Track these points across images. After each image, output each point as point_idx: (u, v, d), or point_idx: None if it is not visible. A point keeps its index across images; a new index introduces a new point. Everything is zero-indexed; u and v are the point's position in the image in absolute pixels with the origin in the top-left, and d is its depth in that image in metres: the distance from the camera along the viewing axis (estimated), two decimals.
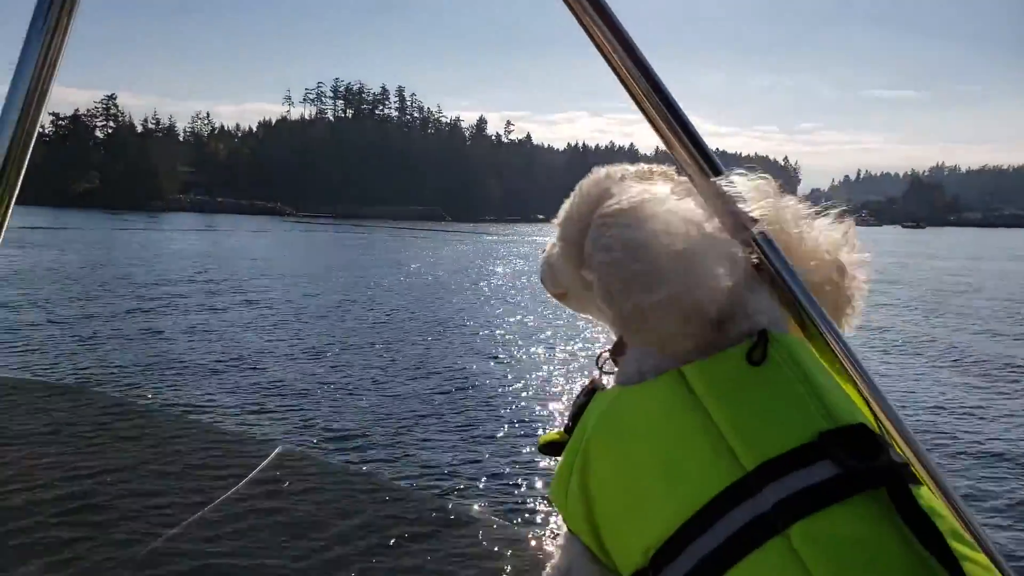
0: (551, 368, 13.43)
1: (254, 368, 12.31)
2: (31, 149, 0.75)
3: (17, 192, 0.76)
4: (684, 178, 1.26)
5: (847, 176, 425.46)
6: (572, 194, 1.33)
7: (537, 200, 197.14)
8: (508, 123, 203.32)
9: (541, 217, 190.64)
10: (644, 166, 1.36)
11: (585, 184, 1.33)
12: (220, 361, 12.75)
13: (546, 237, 1.62)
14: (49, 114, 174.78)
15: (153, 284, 26.73)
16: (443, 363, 13.41)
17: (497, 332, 17.48)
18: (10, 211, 0.74)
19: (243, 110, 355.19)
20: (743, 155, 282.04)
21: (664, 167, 1.36)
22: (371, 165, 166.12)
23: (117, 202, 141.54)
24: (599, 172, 1.35)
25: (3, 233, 0.74)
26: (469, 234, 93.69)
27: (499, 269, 38.47)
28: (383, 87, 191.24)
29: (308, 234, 79.17)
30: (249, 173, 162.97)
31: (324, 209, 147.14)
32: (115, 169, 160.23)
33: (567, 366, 13.58)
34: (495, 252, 54.72)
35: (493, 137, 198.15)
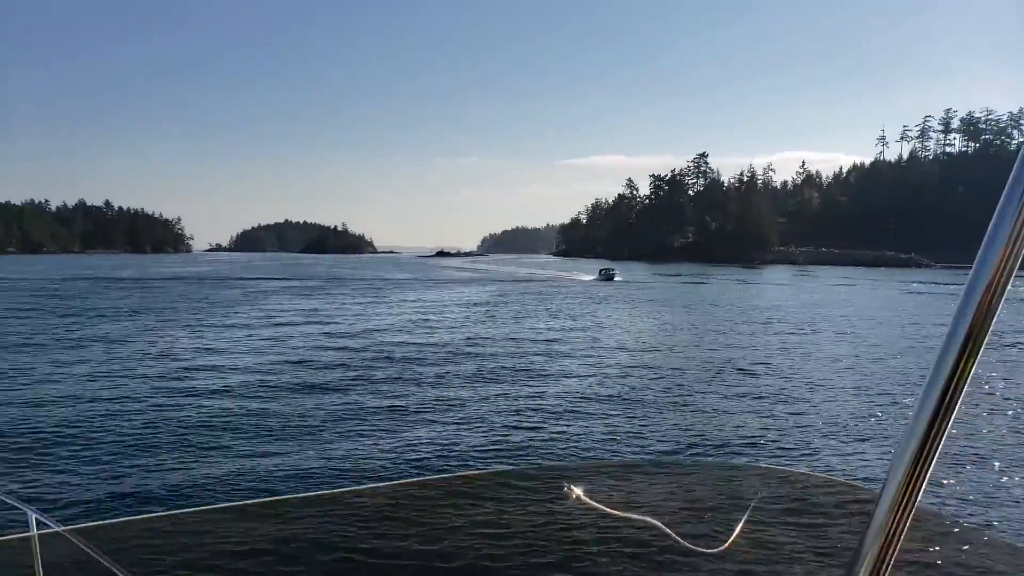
0: None
1: None
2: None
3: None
4: None
5: None
6: None
7: None
8: None
9: None
10: None
11: None
12: None
13: None
14: (649, 176, 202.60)
15: None
16: None
17: None
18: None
19: (782, 159, 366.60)
20: None
21: None
22: None
23: (715, 255, 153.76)
24: None
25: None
26: None
27: None
28: (1015, 112, 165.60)
29: None
30: (848, 221, 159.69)
31: (954, 259, 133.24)
32: (710, 223, 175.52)
33: None
34: None
35: None
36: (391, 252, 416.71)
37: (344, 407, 16.40)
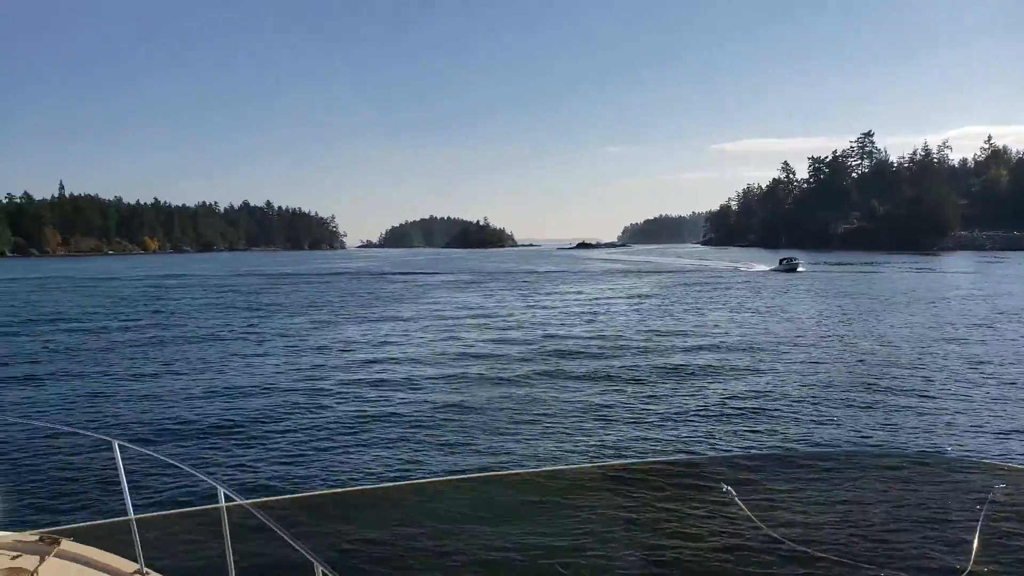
0: None
1: None
2: None
3: None
4: None
5: None
6: None
7: None
8: None
9: None
10: None
11: None
12: None
13: None
14: (808, 158, 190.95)
15: None
16: None
17: None
18: None
19: (959, 135, 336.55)
20: None
21: None
22: None
23: (884, 241, 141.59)
24: None
25: None
26: None
27: None
28: None
29: None
30: None
31: None
32: (877, 208, 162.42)
33: None
34: None
35: None
36: (530, 245, 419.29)
37: (521, 397, 16.28)
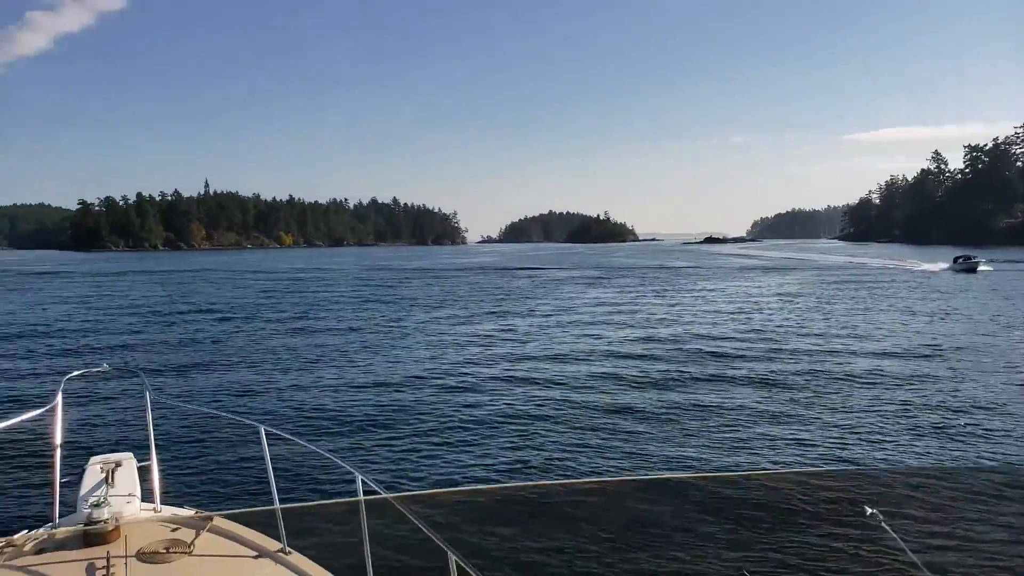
0: None
1: None
2: None
3: None
4: None
5: None
6: None
7: None
8: None
9: None
10: None
11: None
12: None
13: None
14: (964, 146, 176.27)
15: None
16: None
17: None
18: None
19: None
20: None
21: None
22: None
23: None
24: None
25: None
26: None
27: None
28: None
29: None
30: None
31: None
32: None
33: None
34: None
35: None
36: (653, 239, 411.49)
37: (676, 400, 15.28)
